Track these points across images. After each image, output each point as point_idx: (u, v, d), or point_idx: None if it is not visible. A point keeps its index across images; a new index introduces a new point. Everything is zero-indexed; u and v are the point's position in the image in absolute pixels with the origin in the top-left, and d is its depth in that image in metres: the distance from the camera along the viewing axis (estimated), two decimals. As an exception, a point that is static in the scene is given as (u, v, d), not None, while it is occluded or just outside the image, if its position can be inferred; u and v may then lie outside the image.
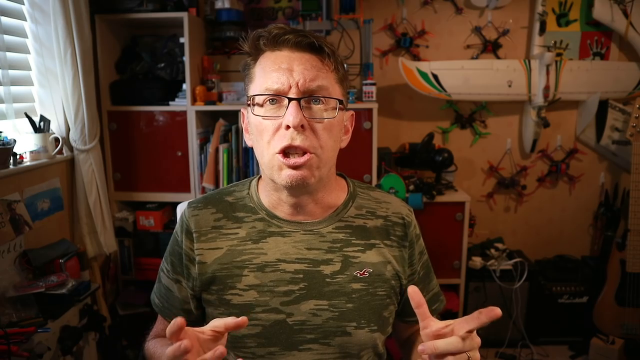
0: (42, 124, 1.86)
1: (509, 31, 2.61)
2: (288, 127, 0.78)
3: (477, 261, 2.47)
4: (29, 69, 1.91)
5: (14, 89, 1.81)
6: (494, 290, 2.44)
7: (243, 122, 0.91)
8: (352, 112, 0.92)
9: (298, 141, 0.78)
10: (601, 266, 2.44)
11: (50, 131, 1.91)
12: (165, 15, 2.16)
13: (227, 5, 2.31)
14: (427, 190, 2.36)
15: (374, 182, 2.24)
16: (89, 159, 2.02)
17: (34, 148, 1.82)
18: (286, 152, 0.79)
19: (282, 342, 0.85)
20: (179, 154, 2.25)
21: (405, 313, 0.97)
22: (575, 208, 2.80)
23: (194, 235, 0.90)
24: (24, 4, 1.85)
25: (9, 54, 1.76)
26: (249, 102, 0.83)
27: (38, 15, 1.86)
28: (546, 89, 2.51)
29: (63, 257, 1.76)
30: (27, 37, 1.88)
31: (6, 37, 1.74)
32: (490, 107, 2.70)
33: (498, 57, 2.64)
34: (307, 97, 0.80)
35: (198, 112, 2.22)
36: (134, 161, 2.28)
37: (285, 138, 0.78)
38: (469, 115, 2.72)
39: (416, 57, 2.65)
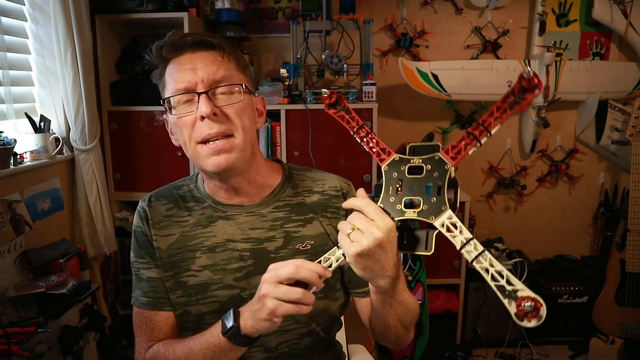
0: (42, 124, 1.86)
1: (509, 31, 2.61)
2: (202, 117, 0.84)
3: (477, 261, 2.47)
4: (30, 69, 1.91)
5: (15, 89, 1.81)
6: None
7: (167, 128, 0.97)
8: (261, 96, 1.00)
9: (215, 129, 0.84)
10: (601, 266, 2.44)
11: (50, 131, 1.91)
12: (165, 15, 2.16)
13: (227, 5, 2.32)
14: (427, 190, 2.35)
15: (374, 182, 2.24)
16: (89, 159, 2.02)
17: (34, 148, 1.82)
18: (207, 141, 0.85)
19: None
20: (179, 154, 2.25)
21: (354, 284, 0.99)
22: (575, 208, 2.80)
23: (150, 222, 0.96)
24: (24, 5, 1.85)
25: (10, 55, 1.76)
26: (165, 107, 0.89)
27: (38, 16, 1.86)
28: (546, 89, 2.51)
29: (63, 257, 1.77)
30: (27, 38, 1.88)
31: (6, 37, 1.74)
32: (490, 107, 2.69)
33: (498, 57, 2.64)
34: (213, 88, 0.86)
35: (198, 112, 2.21)
36: (134, 161, 2.29)
37: (203, 128, 0.85)
38: (468, 115, 2.72)
39: (416, 57, 2.65)
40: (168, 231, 0.95)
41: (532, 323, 0.56)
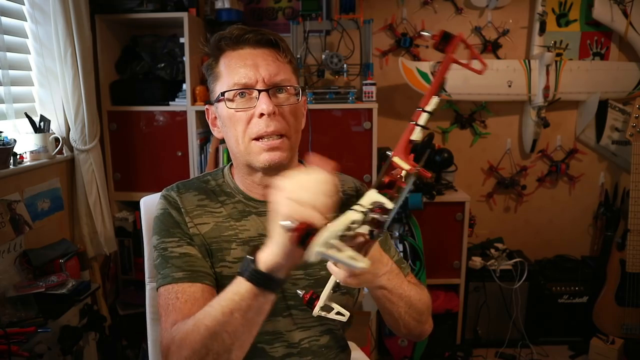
0: (42, 124, 1.86)
1: (509, 31, 2.61)
2: (262, 115, 0.85)
3: (477, 261, 2.47)
4: (29, 69, 1.91)
5: (14, 89, 1.81)
6: (494, 290, 2.44)
7: (208, 118, 0.99)
8: (305, 97, 1.01)
9: (272, 127, 0.86)
10: (601, 266, 2.44)
11: (50, 131, 1.91)
12: (165, 15, 2.16)
13: (227, 5, 2.31)
14: (427, 190, 2.36)
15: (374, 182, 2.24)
16: (89, 159, 2.02)
17: (34, 148, 1.82)
18: (261, 137, 0.87)
19: None
20: (179, 154, 2.25)
21: None
22: (575, 208, 2.80)
23: (182, 211, 0.94)
24: (24, 4, 1.85)
25: (9, 54, 1.76)
26: (220, 99, 0.89)
27: (38, 16, 1.86)
28: (546, 89, 2.51)
29: (63, 257, 1.76)
30: (27, 37, 1.88)
31: (6, 37, 1.74)
32: (490, 107, 2.70)
33: (498, 57, 2.64)
34: (273, 88, 0.88)
35: (198, 112, 2.22)
36: (134, 161, 2.29)
37: (259, 125, 0.86)
38: (469, 115, 2.72)
39: (416, 57, 2.65)
40: (202, 220, 0.93)
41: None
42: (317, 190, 0.65)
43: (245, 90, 0.87)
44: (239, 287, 0.71)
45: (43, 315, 1.50)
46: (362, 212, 0.65)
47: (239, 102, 0.88)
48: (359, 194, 1.04)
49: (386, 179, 0.70)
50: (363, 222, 0.66)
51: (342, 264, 0.61)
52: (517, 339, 2.49)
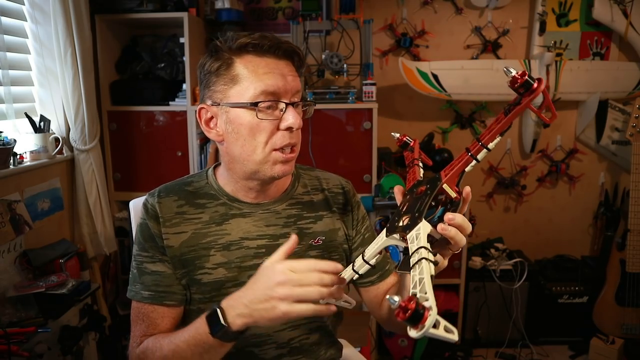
0: (42, 124, 1.86)
1: (509, 31, 2.61)
2: (290, 128, 0.87)
3: (477, 261, 2.47)
4: (29, 69, 1.91)
5: (14, 89, 1.81)
6: (494, 290, 2.44)
7: (200, 118, 0.93)
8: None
9: (294, 139, 0.90)
10: (601, 266, 2.44)
11: (50, 131, 1.91)
12: (165, 15, 2.16)
13: (227, 5, 2.32)
14: (427, 190, 2.35)
15: (374, 182, 2.24)
16: (89, 159, 2.02)
17: (34, 148, 1.82)
18: (283, 148, 0.89)
19: None
20: (179, 154, 2.25)
21: (365, 274, 0.98)
22: (575, 208, 2.80)
23: (160, 220, 0.95)
24: (24, 4, 1.85)
25: (9, 54, 1.76)
26: (245, 106, 0.86)
27: (38, 16, 1.86)
28: (546, 88, 2.51)
29: (63, 257, 1.76)
30: (27, 37, 1.88)
31: (6, 37, 1.74)
32: (490, 107, 2.70)
33: (498, 57, 2.64)
34: (297, 102, 0.90)
35: (198, 112, 2.21)
36: (134, 161, 2.29)
37: (285, 137, 0.88)
38: (469, 115, 2.72)
39: (416, 57, 2.65)
40: (180, 228, 0.94)
41: (413, 333, 0.51)
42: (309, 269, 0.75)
43: (280, 102, 0.87)
44: (209, 339, 0.78)
45: (43, 315, 1.50)
46: (434, 261, 0.63)
47: (265, 112, 0.86)
48: (347, 192, 1.07)
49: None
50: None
51: (440, 338, 0.54)
52: (517, 339, 2.49)
